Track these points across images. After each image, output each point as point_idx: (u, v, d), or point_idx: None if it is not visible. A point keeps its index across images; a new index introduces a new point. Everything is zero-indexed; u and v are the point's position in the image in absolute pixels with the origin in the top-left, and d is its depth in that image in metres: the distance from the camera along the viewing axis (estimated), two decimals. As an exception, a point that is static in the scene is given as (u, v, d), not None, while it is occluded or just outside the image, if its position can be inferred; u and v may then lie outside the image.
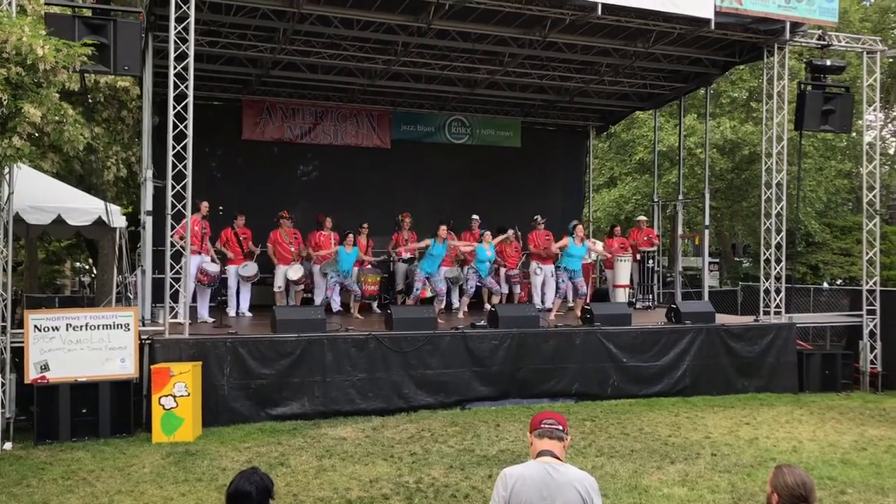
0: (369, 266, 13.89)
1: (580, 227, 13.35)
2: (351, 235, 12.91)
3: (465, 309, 13.36)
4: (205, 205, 12.12)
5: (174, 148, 9.80)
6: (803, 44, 13.44)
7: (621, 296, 14.89)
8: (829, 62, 12.91)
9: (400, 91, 16.20)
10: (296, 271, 13.07)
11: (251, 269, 12.74)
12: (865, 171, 13.78)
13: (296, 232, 13.55)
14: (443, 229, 12.62)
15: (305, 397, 9.89)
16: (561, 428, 3.71)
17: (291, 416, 9.76)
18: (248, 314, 12.95)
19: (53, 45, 7.67)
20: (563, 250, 12.96)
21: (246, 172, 15.90)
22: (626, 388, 11.40)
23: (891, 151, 29.24)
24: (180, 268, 10.20)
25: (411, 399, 10.35)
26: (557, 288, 13.39)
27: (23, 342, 8.91)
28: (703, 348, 11.85)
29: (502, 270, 14.57)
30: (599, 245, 15.57)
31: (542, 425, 3.72)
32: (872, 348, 13.04)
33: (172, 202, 9.87)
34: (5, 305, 9.06)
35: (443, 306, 12.91)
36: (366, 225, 14.04)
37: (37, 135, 8.55)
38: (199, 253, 11.88)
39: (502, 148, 17.95)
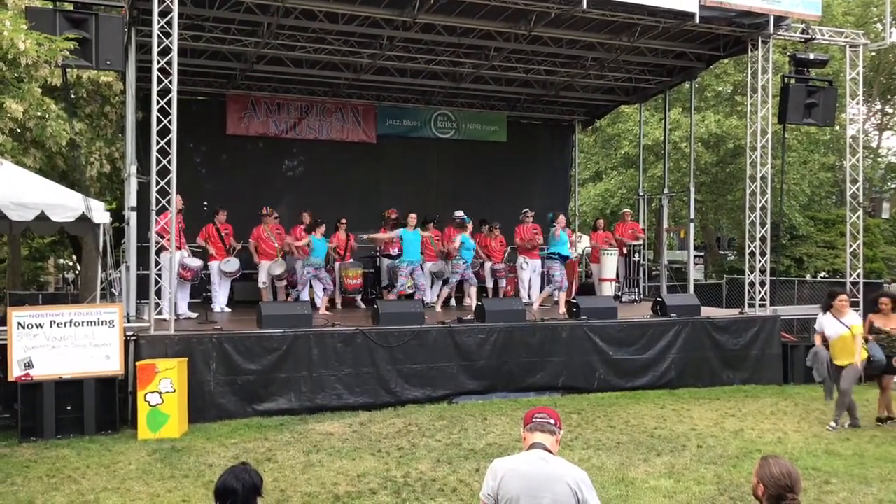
0: (351, 260, 13.85)
1: (561, 215, 13.72)
2: (323, 226, 12.87)
3: (442, 302, 13.44)
4: (178, 199, 12.04)
5: (158, 143, 9.74)
6: (787, 37, 13.49)
7: (607, 289, 14.93)
8: (812, 56, 12.98)
9: (385, 85, 16.17)
10: (278, 266, 13.03)
11: (233, 264, 12.69)
12: (849, 164, 13.87)
13: (279, 228, 13.51)
14: (412, 217, 12.56)
15: (292, 393, 9.87)
16: (553, 422, 3.72)
17: (278, 412, 9.74)
18: (227, 309, 12.88)
19: (35, 40, 7.61)
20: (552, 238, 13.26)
21: (230, 167, 15.85)
22: (613, 381, 11.45)
23: (873, 144, 29.47)
24: (163, 264, 10.13)
25: (398, 393, 10.35)
26: (551, 279, 13.39)
27: (6, 340, 8.83)
28: (688, 341, 11.91)
29: (487, 264, 14.60)
30: (585, 239, 15.64)
31: (535, 419, 3.74)
32: (855, 340, 13.13)
33: (157, 198, 9.81)
34: (-12, 302, 8.99)
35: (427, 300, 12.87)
36: (344, 220, 13.99)
37: (19, 130, 8.49)
38: (179, 248, 11.81)
39: (488, 142, 17.97)
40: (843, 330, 9.27)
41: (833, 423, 9.24)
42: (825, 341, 9.44)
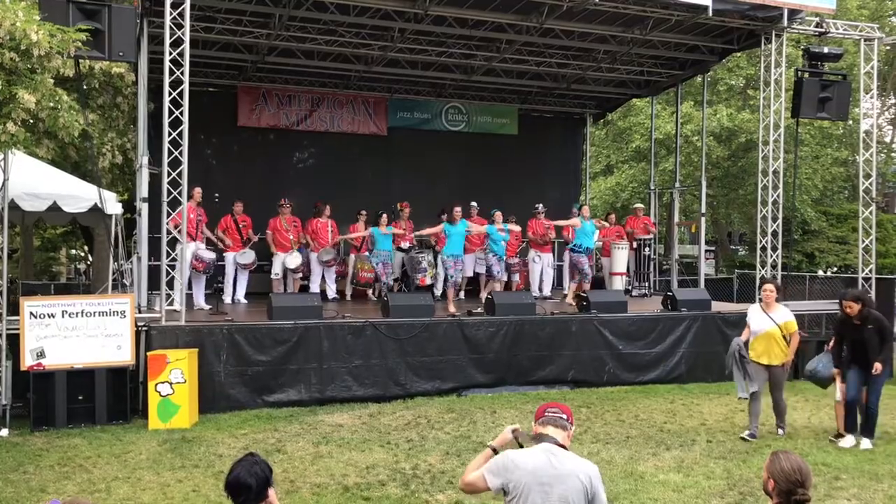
0: (367, 252, 13.87)
1: (586, 207, 13.84)
2: (385, 216, 13.06)
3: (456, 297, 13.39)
4: (197, 191, 12.08)
5: (170, 134, 9.76)
6: (801, 31, 13.40)
7: (618, 283, 14.91)
8: (826, 50, 12.87)
9: (396, 78, 16.15)
10: (293, 259, 13.06)
11: (249, 256, 12.74)
12: (862, 158, 13.77)
13: (295, 219, 13.55)
14: (457, 211, 12.37)
15: (302, 384, 9.90)
16: (565, 417, 3.73)
17: (288, 403, 9.78)
18: (244, 301, 12.95)
19: (48, 31, 7.60)
20: (576, 230, 13.34)
21: (242, 159, 15.87)
22: (622, 376, 11.44)
23: (887, 139, 29.25)
24: (176, 255, 10.17)
25: (408, 386, 10.37)
26: (577, 270, 13.52)
27: (18, 329, 8.89)
28: (698, 336, 11.88)
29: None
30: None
31: (547, 413, 3.75)
32: (867, 336, 13.04)
33: (168, 189, 9.84)
34: (0, 293, 9.03)
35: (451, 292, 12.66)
36: (364, 212, 14.04)
37: (31, 121, 8.48)
38: (194, 240, 11.84)
39: (499, 135, 17.92)
40: (769, 325, 8.38)
41: (748, 434, 8.34)
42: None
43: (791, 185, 16.27)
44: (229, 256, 12.79)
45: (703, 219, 15.51)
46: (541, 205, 14.71)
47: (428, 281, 12.95)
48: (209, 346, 9.52)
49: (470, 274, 14.51)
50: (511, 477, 3.53)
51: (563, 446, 3.62)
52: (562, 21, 12.69)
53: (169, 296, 10.10)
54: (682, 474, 7.12)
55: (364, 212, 14.04)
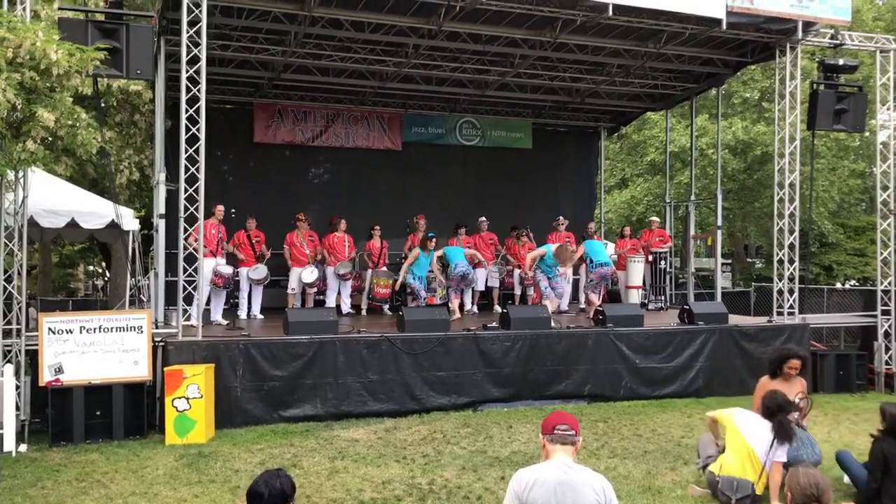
0: (384, 268, 13.95)
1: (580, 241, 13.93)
2: (434, 240, 13.08)
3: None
4: (220, 208, 12.21)
5: (186, 151, 9.84)
6: (816, 43, 13.36)
7: (634, 297, 14.86)
8: (841, 61, 12.82)
9: (411, 93, 16.23)
10: (310, 274, 13.11)
11: (261, 271, 12.79)
12: (879, 170, 13.68)
13: (312, 234, 13.63)
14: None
15: (318, 399, 9.90)
16: (574, 432, 3.76)
17: (304, 418, 9.77)
18: (260, 316, 13.00)
19: (67, 50, 7.71)
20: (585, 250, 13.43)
21: (258, 175, 15.97)
22: (639, 390, 11.35)
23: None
24: (193, 270, 10.24)
25: (423, 400, 10.34)
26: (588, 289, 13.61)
27: (37, 345, 8.96)
28: (716, 349, 11.79)
29: (516, 272, 14.61)
30: (611, 246, 15.65)
31: (556, 431, 3.76)
32: (887, 349, 12.93)
33: (185, 205, 9.91)
34: (20, 308, 9.13)
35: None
36: (377, 227, 14.14)
37: (50, 139, 8.61)
38: (214, 256, 11.93)
39: (513, 150, 17.95)
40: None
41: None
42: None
43: (807, 198, 16.19)
44: (242, 272, 12.86)
45: (719, 232, 15.45)
46: (561, 217, 14.77)
47: (436, 301, 13.02)
48: (225, 361, 9.54)
49: (482, 288, 14.55)
50: (525, 492, 3.55)
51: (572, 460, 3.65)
52: (575, 35, 12.71)
53: (186, 311, 10.17)
54: (700, 488, 7.05)
55: (378, 227, 14.12)
